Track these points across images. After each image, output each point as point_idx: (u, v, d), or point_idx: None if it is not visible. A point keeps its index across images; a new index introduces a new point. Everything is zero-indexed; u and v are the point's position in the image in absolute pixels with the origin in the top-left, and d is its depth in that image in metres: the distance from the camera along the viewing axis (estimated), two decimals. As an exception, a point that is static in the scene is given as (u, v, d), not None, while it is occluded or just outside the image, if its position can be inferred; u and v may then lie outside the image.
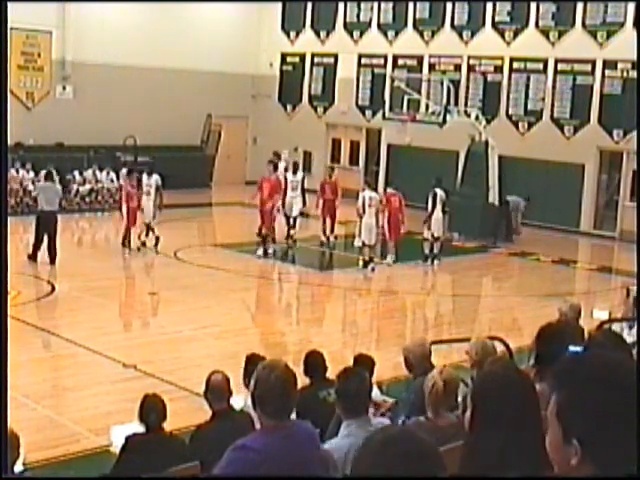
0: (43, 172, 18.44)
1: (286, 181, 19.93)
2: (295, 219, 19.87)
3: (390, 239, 17.76)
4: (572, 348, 4.26)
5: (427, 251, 18.47)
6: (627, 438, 1.90)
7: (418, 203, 19.14)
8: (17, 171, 22.54)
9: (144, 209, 18.08)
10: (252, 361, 6.52)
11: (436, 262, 18.25)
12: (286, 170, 20.65)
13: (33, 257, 16.27)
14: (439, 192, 18.32)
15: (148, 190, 18.23)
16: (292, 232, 19.59)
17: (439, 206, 18.28)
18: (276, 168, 18.94)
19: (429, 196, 18.28)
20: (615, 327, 8.91)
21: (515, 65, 24.24)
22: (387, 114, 23.04)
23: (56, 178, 18.01)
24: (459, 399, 5.61)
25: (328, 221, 19.81)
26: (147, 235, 18.02)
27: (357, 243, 18.20)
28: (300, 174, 20.72)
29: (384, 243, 18.00)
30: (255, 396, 4.01)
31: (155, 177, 18.49)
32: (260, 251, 17.92)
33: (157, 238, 17.84)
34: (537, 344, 5.16)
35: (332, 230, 19.85)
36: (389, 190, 18.14)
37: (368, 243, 17.41)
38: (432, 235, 18.36)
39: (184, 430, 7.13)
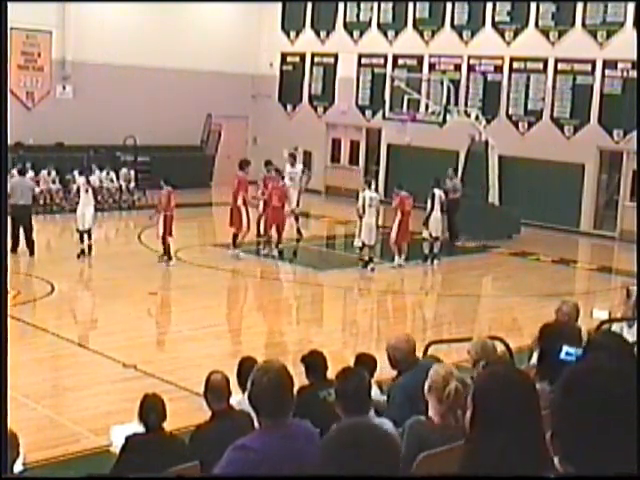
0: (16, 168, 18.68)
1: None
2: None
3: (397, 242, 17.68)
4: (567, 348, 4.27)
5: (427, 251, 18.47)
6: (603, 442, 1.94)
7: (418, 203, 19.11)
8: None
9: (80, 213, 17.08)
10: (245, 365, 6.55)
11: (436, 262, 18.24)
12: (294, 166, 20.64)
13: (13, 249, 16.67)
14: (437, 192, 18.33)
15: (86, 188, 17.43)
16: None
17: (437, 206, 18.29)
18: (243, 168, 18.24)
19: (428, 197, 18.29)
20: (615, 327, 8.90)
21: (515, 65, 24.24)
22: (387, 114, 23.06)
23: (31, 173, 19.41)
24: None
25: (275, 231, 18.04)
26: (82, 241, 16.97)
27: (357, 243, 18.18)
28: (299, 166, 20.85)
29: (389, 244, 17.92)
30: (251, 398, 4.02)
31: (94, 177, 18.05)
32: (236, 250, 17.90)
33: (90, 247, 16.98)
34: (541, 342, 5.17)
35: (278, 243, 18.11)
36: (402, 193, 17.73)
37: (368, 243, 17.40)
38: (430, 235, 18.36)
39: (184, 430, 7.13)
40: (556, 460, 2.02)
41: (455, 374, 5.03)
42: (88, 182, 17.76)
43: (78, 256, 16.78)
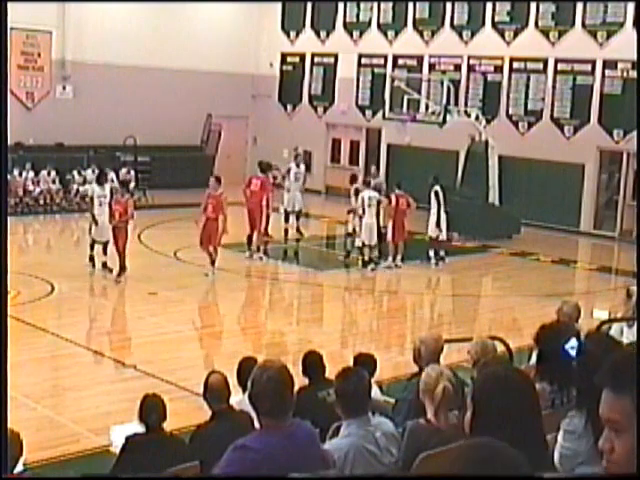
0: None
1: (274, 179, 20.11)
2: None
3: (393, 241, 17.68)
4: (568, 345, 4.28)
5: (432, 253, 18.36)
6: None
7: (418, 203, 19.10)
8: (20, 174, 22.58)
9: (100, 224, 15.77)
10: (245, 365, 6.55)
11: (441, 263, 18.22)
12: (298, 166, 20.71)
13: None
14: (439, 189, 18.35)
15: (100, 201, 15.90)
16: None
17: (442, 204, 18.29)
18: (220, 182, 16.73)
19: (431, 196, 18.25)
20: (615, 327, 8.91)
21: (515, 65, 24.24)
22: (387, 114, 23.05)
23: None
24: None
25: (212, 246, 16.09)
26: (105, 253, 15.90)
27: (357, 243, 18.18)
28: (303, 167, 20.84)
29: (385, 244, 17.93)
30: (251, 396, 4.02)
31: (108, 186, 16.43)
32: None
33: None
34: (539, 342, 5.18)
35: (213, 261, 16.02)
36: (397, 191, 17.76)
37: (368, 243, 17.39)
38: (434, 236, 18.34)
39: (184, 430, 7.13)
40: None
41: (446, 374, 5.05)
42: (111, 194, 16.29)
43: (110, 270, 15.68)
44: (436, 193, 18.19)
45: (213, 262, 15.92)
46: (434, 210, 18.22)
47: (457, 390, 5.03)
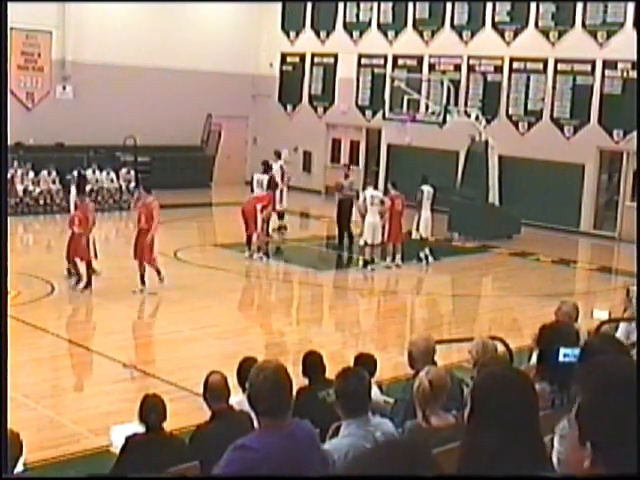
0: None
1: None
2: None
3: (389, 242, 17.67)
4: (563, 350, 4.27)
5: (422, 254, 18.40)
6: (637, 442, 1.90)
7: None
8: (18, 173, 22.58)
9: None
10: (245, 365, 6.56)
11: (430, 260, 18.21)
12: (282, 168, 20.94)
13: None
14: (426, 189, 18.40)
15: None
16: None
17: (427, 204, 18.34)
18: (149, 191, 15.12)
19: (417, 195, 18.40)
20: (621, 328, 8.89)
21: (515, 65, 24.24)
22: (387, 114, 23.05)
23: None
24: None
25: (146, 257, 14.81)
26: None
27: (360, 242, 18.18)
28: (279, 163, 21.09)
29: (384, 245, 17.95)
30: (249, 397, 4.03)
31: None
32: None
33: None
34: (539, 343, 5.18)
35: (142, 276, 14.73)
36: (393, 192, 17.78)
37: (370, 242, 17.38)
38: (420, 237, 18.37)
39: (184, 430, 7.13)
40: (586, 463, 1.95)
41: (430, 374, 5.12)
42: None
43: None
44: (421, 192, 18.25)
45: (142, 277, 14.65)
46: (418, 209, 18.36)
47: (439, 390, 5.07)
